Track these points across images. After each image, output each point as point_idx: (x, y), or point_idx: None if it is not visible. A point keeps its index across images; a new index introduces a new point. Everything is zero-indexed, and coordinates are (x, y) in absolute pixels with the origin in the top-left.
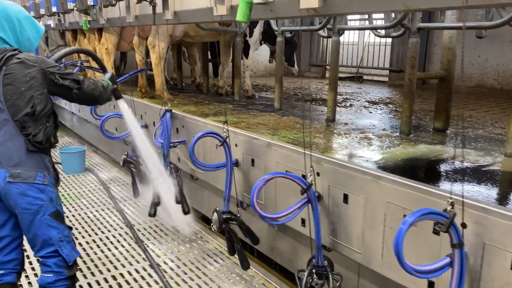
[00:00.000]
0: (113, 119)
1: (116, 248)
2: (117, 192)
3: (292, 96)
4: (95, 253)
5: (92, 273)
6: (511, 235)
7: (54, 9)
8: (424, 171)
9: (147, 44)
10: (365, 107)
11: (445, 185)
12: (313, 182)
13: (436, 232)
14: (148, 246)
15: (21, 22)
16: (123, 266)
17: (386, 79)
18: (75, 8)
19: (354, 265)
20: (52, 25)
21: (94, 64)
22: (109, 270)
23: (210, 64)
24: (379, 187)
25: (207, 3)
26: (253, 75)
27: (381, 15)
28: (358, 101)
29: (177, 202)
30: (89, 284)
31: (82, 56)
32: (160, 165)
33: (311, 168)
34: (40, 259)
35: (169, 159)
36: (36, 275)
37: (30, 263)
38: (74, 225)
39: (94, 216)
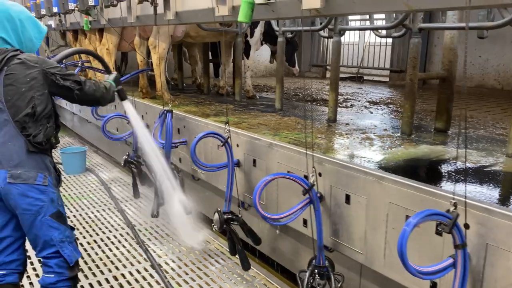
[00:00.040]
0: (114, 120)
1: (117, 249)
2: (118, 192)
3: (293, 97)
4: (96, 254)
5: (94, 274)
6: None
7: (55, 10)
8: (426, 171)
9: (148, 45)
10: (366, 107)
11: (447, 185)
12: (315, 183)
13: (438, 233)
14: (149, 247)
15: (23, 23)
16: (125, 266)
17: (387, 79)
18: (76, 8)
19: (356, 265)
20: (53, 26)
21: (95, 64)
22: (110, 271)
23: (211, 64)
24: (381, 188)
25: (209, 3)
26: (254, 76)
27: (382, 15)
28: (359, 101)
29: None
30: (90, 284)
31: (83, 56)
32: (166, 166)
33: (313, 169)
34: (41, 260)
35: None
36: (37, 275)
37: (32, 263)
38: (75, 226)
39: (95, 216)
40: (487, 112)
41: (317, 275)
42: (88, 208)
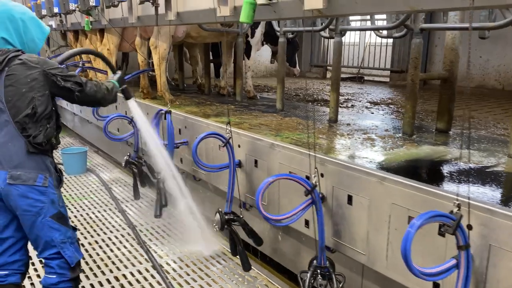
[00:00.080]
0: (115, 120)
1: (119, 249)
2: (119, 192)
3: (294, 97)
4: (98, 254)
5: (95, 274)
6: None
7: (56, 10)
8: (428, 172)
9: (149, 45)
10: (366, 107)
11: (449, 186)
12: (317, 184)
13: (441, 234)
14: (150, 247)
15: (25, 23)
16: (126, 267)
17: (387, 79)
18: (77, 8)
19: (358, 266)
20: (53, 26)
21: (96, 64)
22: (111, 271)
23: (212, 65)
24: (383, 189)
25: (210, 4)
26: (254, 76)
27: (383, 16)
28: (360, 101)
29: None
30: (91, 285)
31: (84, 56)
32: (172, 165)
33: (315, 169)
34: (43, 260)
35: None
36: (39, 276)
37: (33, 263)
38: (76, 226)
39: (96, 217)
40: (488, 112)
41: (318, 276)
42: (89, 208)
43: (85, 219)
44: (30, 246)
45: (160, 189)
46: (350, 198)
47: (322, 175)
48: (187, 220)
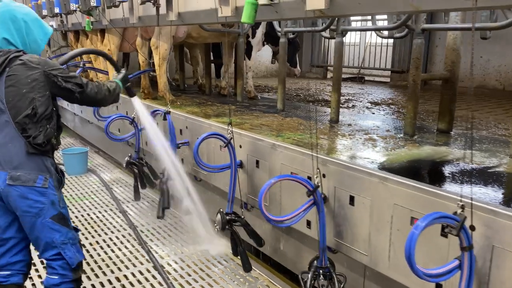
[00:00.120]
0: (116, 121)
1: (120, 250)
2: (120, 193)
3: (294, 97)
4: (99, 255)
5: (96, 275)
6: None
7: (56, 10)
8: (430, 172)
9: (150, 45)
10: (367, 108)
11: (451, 187)
12: (319, 184)
13: (444, 235)
14: (151, 248)
15: (28, 24)
16: (127, 267)
17: (388, 79)
18: (78, 9)
19: (360, 267)
20: (54, 26)
21: (97, 65)
22: (113, 272)
23: (213, 65)
24: (386, 189)
25: (212, 4)
26: (254, 76)
27: (384, 16)
28: (361, 102)
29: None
30: (93, 285)
31: (85, 56)
32: (177, 162)
33: (318, 170)
34: (45, 261)
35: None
36: (40, 276)
37: (34, 264)
38: (77, 227)
39: (97, 217)
40: (488, 112)
41: (320, 276)
42: (90, 209)
43: (86, 220)
44: (32, 247)
45: (163, 190)
46: (352, 199)
47: (324, 175)
48: (195, 219)
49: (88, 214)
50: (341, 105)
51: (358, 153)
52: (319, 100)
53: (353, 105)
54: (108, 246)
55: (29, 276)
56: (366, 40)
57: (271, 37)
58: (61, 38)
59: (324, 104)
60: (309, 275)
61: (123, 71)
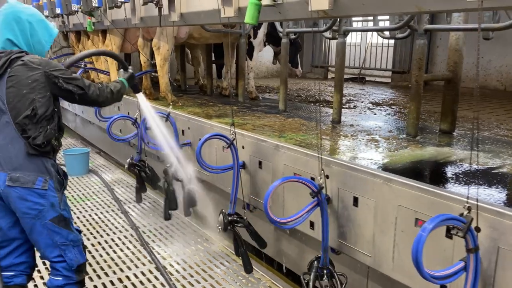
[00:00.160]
0: (118, 121)
1: (122, 250)
2: (122, 193)
3: (296, 98)
4: (101, 256)
5: (98, 276)
6: None
7: (58, 11)
8: (434, 173)
9: (151, 46)
10: (369, 108)
11: (455, 187)
12: (323, 185)
13: (449, 236)
14: (153, 249)
15: (32, 25)
16: (129, 268)
17: (389, 80)
18: (80, 9)
19: (363, 268)
20: (55, 27)
21: (98, 65)
22: (115, 273)
23: (214, 66)
24: (390, 190)
25: (214, 4)
26: (255, 76)
27: (386, 16)
28: (362, 102)
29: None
30: (95, 287)
31: None
32: (180, 156)
33: (322, 171)
34: (49, 263)
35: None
36: (42, 277)
37: (36, 265)
38: (79, 228)
39: (99, 218)
40: (490, 113)
41: (324, 276)
42: (92, 209)
43: (87, 221)
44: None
45: (168, 191)
46: (356, 200)
47: (327, 176)
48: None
49: (90, 215)
50: (342, 106)
51: (361, 154)
52: (320, 101)
53: (354, 106)
54: (110, 247)
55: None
56: (367, 41)
57: (272, 38)
58: (62, 38)
59: (325, 104)
60: (311, 276)
61: (130, 69)
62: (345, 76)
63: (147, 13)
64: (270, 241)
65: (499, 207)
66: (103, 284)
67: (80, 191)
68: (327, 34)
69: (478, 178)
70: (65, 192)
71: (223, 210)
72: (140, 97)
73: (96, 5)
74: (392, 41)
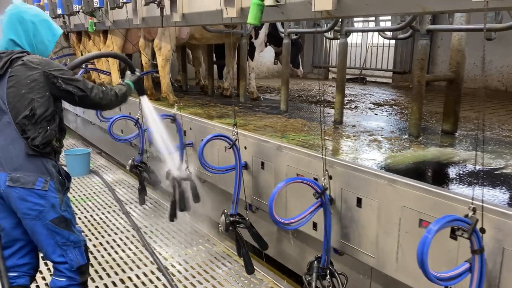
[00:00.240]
0: (119, 121)
1: (124, 251)
2: (123, 194)
3: (297, 98)
4: (103, 256)
5: (100, 277)
6: None
7: (59, 11)
8: (437, 174)
9: (153, 46)
10: (370, 109)
11: (459, 188)
12: (327, 186)
13: (453, 237)
14: (155, 249)
15: (35, 25)
16: (131, 269)
17: (389, 80)
18: (81, 10)
19: (366, 269)
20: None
21: (99, 66)
22: (117, 274)
23: (215, 66)
24: (394, 191)
25: (217, 5)
26: (256, 77)
27: (388, 17)
28: (363, 103)
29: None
30: (97, 287)
31: None
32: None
33: (326, 172)
34: (52, 263)
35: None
36: (43, 278)
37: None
38: (80, 228)
39: (100, 218)
40: (492, 113)
41: (327, 276)
42: (93, 210)
43: (89, 221)
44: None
45: (175, 193)
46: (359, 201)
47: (330, 177)
48: None
49: (91, 216)
50: (344, 106)
51: (363, 155)
52: (321, 101)
53: (355, 106)
54: (112, 247)
55: None
56: (368, 41)
57: (273, 38)
58: (63, 39)
59: (327, 105)
60: (313, 276)
61: (137, 72)
62: (346, 77)
63: (149, 14)
64: (272, 241)
65: (504, 208)
66: (105, 285)
67: (81, 191)
68: (329, 34)
69: (480, 179)
70: None
71: (225, 211)
72: (144, 100)
73: (98, 6)
74: (393, 42)
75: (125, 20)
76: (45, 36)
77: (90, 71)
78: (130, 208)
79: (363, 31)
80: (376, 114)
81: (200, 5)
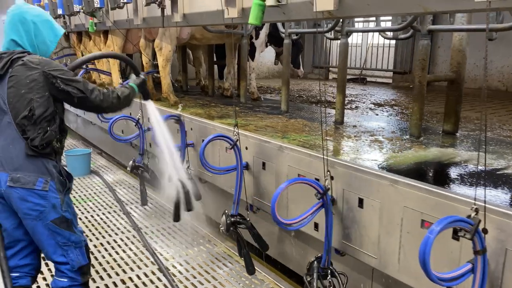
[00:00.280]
0: (119, 122)
1: (124, 252)
2: (123, 194)
3: (297, 98)
4: (103, 257)
5: (101, 277)
6: None
7: (60, 12)
8: (438, 174)
9: (153, 47)
10: (371, 109)
11: (460, 189)
12: (329, 187)
13: (455, 238)
14: (156, 250)
15: (37, 25)
16: (132, 270)
17: (390, 80)
18: (82, 10)
19: (368, 269)
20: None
21: (99, 66)
22: (118, 274)
23: (215, 66)
24: (395, 192)
25: (218, 5)
26: (257, 77)
27: (388, 17)
28: (364, 103)
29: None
30: None
31: None
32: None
33: (328, 172)
34: (54, 264)
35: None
36: (44, 278)
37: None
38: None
39: (101, 219)
40: (492, 114)
41: (328, 276)
42: (94, 210)
43: (89, 221)
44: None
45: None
46: (361, 201)
47: (332, 177)
48: None
49: (92, 216)
50: (344, 106)
51: (365, 155)
52: (322, 101)
53: (356, 106)
54: (113, 248)
55: None
56: (368, 41)
57: (274, 38)
58: (63, 39)
59: (327, 105)
60: (314, 276)
61: (142, 75)
62: (347, 77)
63: (150, 14)
64: (273, 242)
65: (506, 208)
66: (106, 285)
67: (81, 192)
68: (329, 34)
69: (482, 179)
70: None
71: (226, 211)
72: (150, 105)
73: (98, 6)
74: (393, 42)
75: (126, 20)
76: (46, 36)
77: (91, 71)
78: (131, 208)
79: (363, 31)
80: (377, 115)
81: (201, 5)
